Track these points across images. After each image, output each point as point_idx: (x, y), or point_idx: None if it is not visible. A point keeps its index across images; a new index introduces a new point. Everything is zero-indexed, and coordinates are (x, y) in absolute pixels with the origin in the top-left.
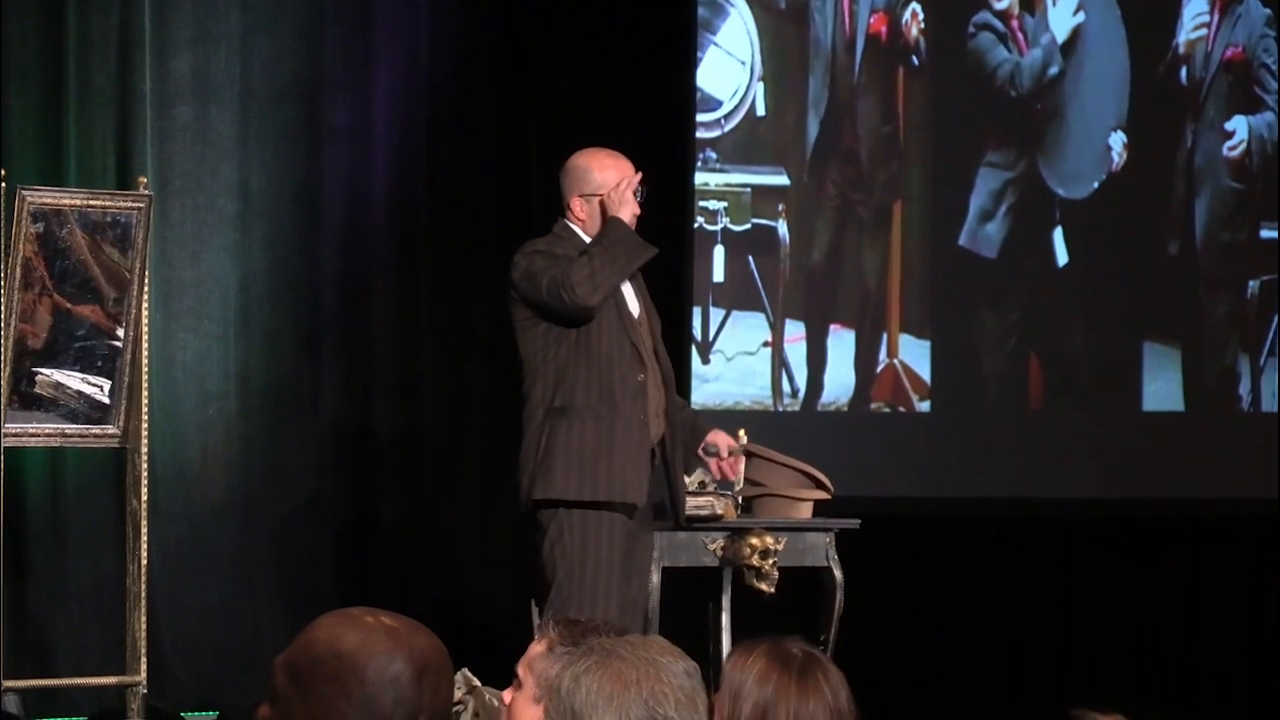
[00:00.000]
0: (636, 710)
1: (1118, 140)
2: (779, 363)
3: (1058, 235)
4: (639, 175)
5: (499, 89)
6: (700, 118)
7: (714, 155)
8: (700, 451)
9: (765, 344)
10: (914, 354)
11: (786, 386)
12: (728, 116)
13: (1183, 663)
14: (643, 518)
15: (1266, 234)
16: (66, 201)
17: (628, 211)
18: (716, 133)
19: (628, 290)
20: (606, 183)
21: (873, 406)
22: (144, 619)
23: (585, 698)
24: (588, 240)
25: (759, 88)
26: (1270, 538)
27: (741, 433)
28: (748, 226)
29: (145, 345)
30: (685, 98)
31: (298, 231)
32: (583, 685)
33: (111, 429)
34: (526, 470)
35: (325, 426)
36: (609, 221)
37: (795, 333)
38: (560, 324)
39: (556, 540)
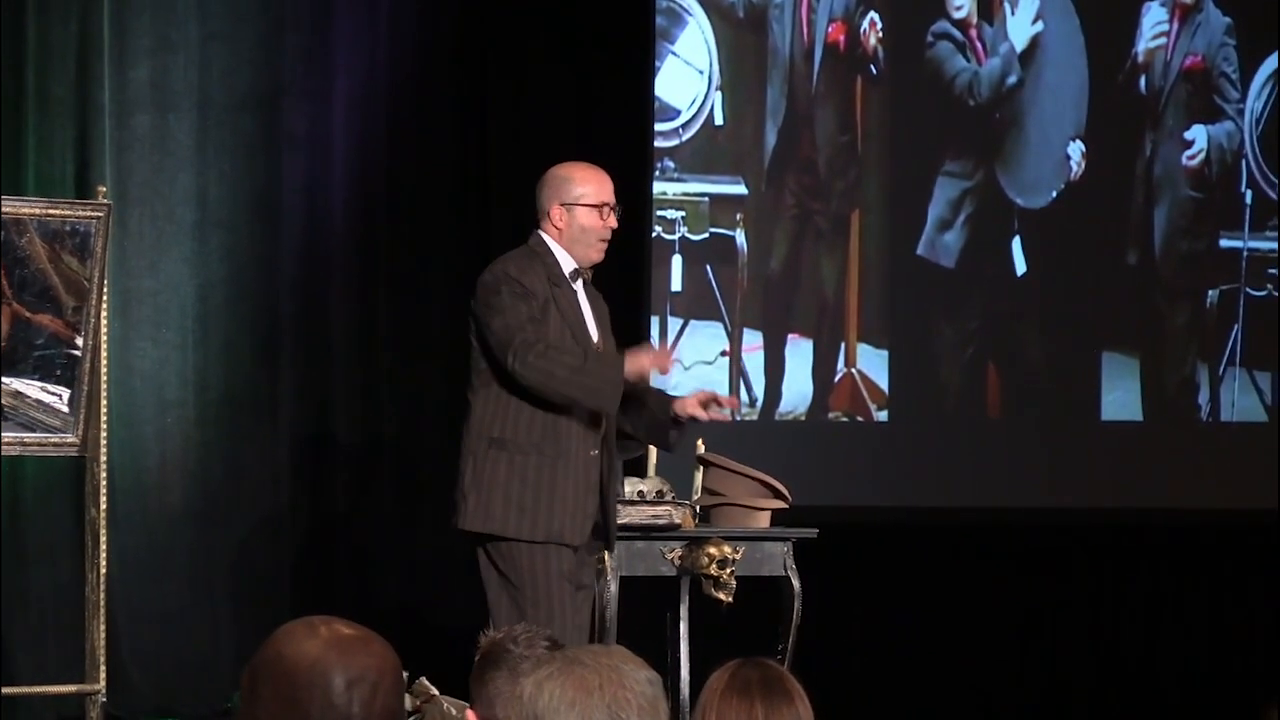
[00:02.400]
0: (599, 715)
1: (1076, 149)
2: (737, 372)
3: (1016, 244)
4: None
5: (458, 97)
6: (658, 127)
7: (672, 164)
8: (677, 420)
9: (723, 353)
10: (872, 363)
11: (744, 396)
12: (685, 125)
13: (1141, 670)
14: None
15: (1226, 244)
16: (25, 210)
17: (641, 368)
18: (674, 142)
19: (588, 316)
20: (588, 194)
21: (831, 416)
22: (103, 627)
23: (547, 703)
24: (561, 254)
25: (717, 97)
26: (1230, 546)
27: (699, 442)
28: (705, 236)
29: (104, 354)
30: (643, 107)
31: (256, 240)
32: (545, 691)
33: (70, 438)
34: (464, 496)
35: (283, 434)
36: (617, 358)
37: (753, 342)
38: (490, 365)
39: (504, 572)
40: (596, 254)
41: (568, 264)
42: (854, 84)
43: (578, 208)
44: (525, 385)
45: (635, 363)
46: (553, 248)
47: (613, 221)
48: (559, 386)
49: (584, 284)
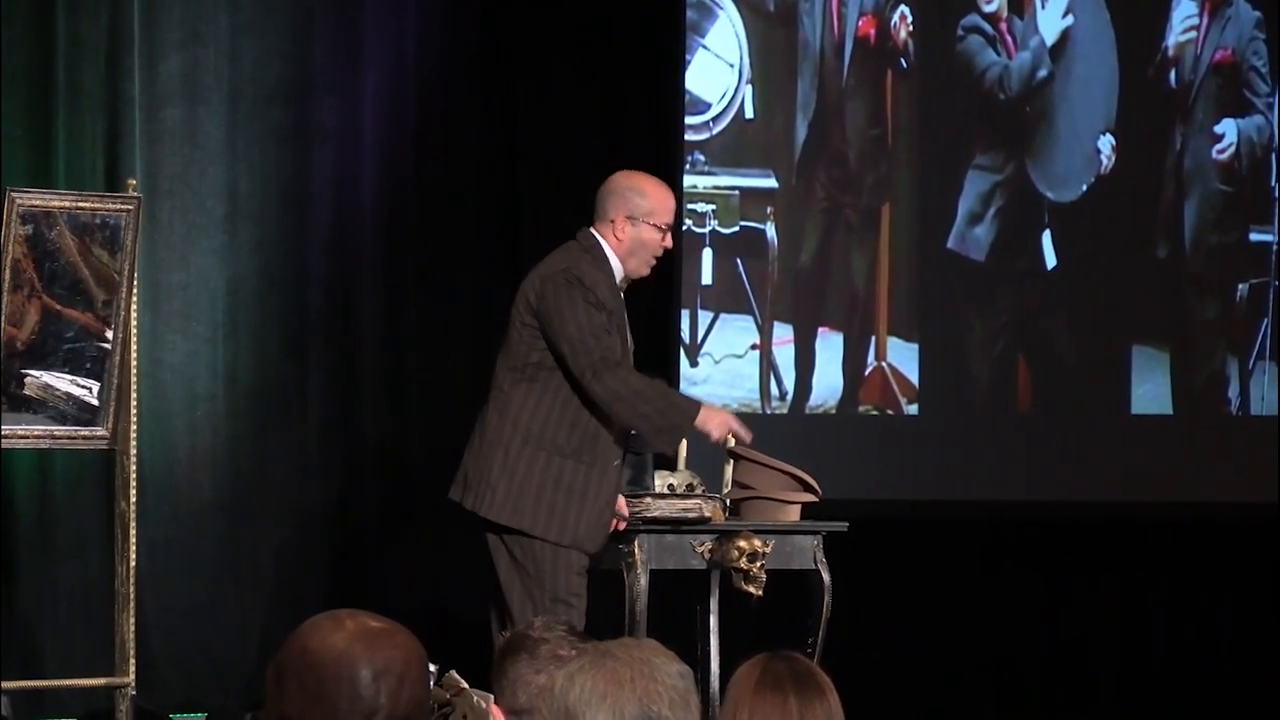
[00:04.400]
0: (630, 709)
1: (1106, 143)
2: (767, 365)
3: (1046, 238)
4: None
5: (487, 89)
6: (688, 120)
7: (702, 158)
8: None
9: (753, 346)
10: (902, 357)
11: (774, 389)
12: (716, 119)
13: (1168, 664)
14: None
15: (1256, 237)
16: (56, 203)
17: (716, 430)
18: (705, 135)
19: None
20: (656, 212)
21: (861, 409)
22: (132, 620)
23: (579, 695)
24: (615, 262)
25: (747, 90)
26: (1259, 541)
27: (730, 437)
28: (736, 229)
29: (134, 347)
30: (673, 100)
31: (286, 233)
32: (576, 683)
33: (100, 430)
34: (492, 485)
35: (312, 427)
36: (693, 405)
37: (783, 335)
38: (557, 364)
39: (528, 555)
40: (646, 269)
41: (619, 273)
42: (884, 77)
43: (644, 224)
44: (594, 397)
45: (711, 425)
46: (609, 255)
47: (669, 242)
48: (627, 413)
49: (622, 300)
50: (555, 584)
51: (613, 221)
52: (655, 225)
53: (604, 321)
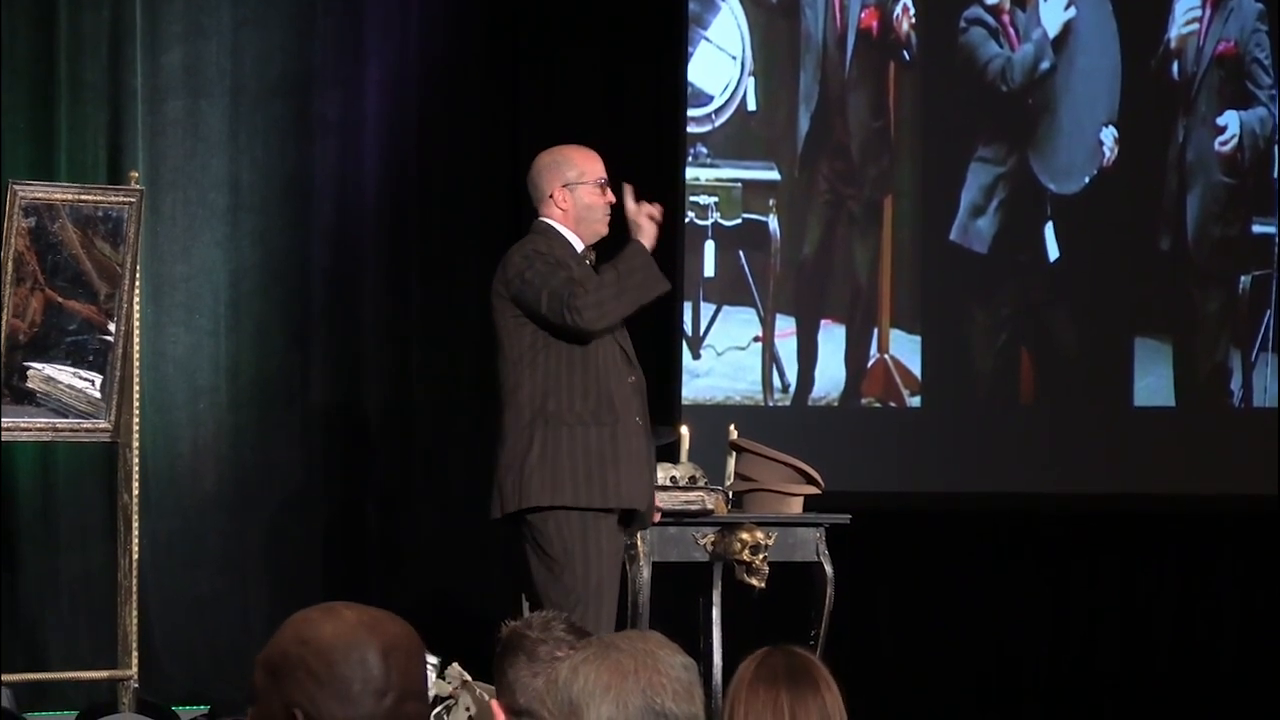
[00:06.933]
0: (634, 701)
1: (1109, 135)
2: (770, 358)
3: (1049, 230)
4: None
5: (489, 82)
6: (691, 112)
7: (705, 150)
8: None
9: (756, 339)
10: (905, 349)
11: (777, 381)
12: (719, 111)
13: (1174, 656)
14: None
15: (1258, 229)
16: (58, 196)
17: (649, 237)
18: (707, 127)
19: None
20: (586, 172)
21: (863, 401)
22: (135, 613)
23: (583, 687)
24: (570, 235)
25: (750, 82)
26: (1262, 533)
27: (732, 428)
28: (738, 221)
29: (136, 340)
30: (676, 92)
31: (288, 225)
32: (580, 675)
33: (103, 423)
34: (519, 474)
35: (315, 420)
36: (630, 247)
37: (786, 328)
38: (552, 335)
39: (556, 541)
40: (602, 228)
41: (577, 244)
42: (887, 70)
43: (580, 186)
44: (592, 330)
45: (643, 235)
46: (561, 230)
47: (610, 196)
48: (618, 307)
49: (589, 266)
50: (586, 566)
51: (551, 197)
52: (590, 184)
53: (567, 274)
